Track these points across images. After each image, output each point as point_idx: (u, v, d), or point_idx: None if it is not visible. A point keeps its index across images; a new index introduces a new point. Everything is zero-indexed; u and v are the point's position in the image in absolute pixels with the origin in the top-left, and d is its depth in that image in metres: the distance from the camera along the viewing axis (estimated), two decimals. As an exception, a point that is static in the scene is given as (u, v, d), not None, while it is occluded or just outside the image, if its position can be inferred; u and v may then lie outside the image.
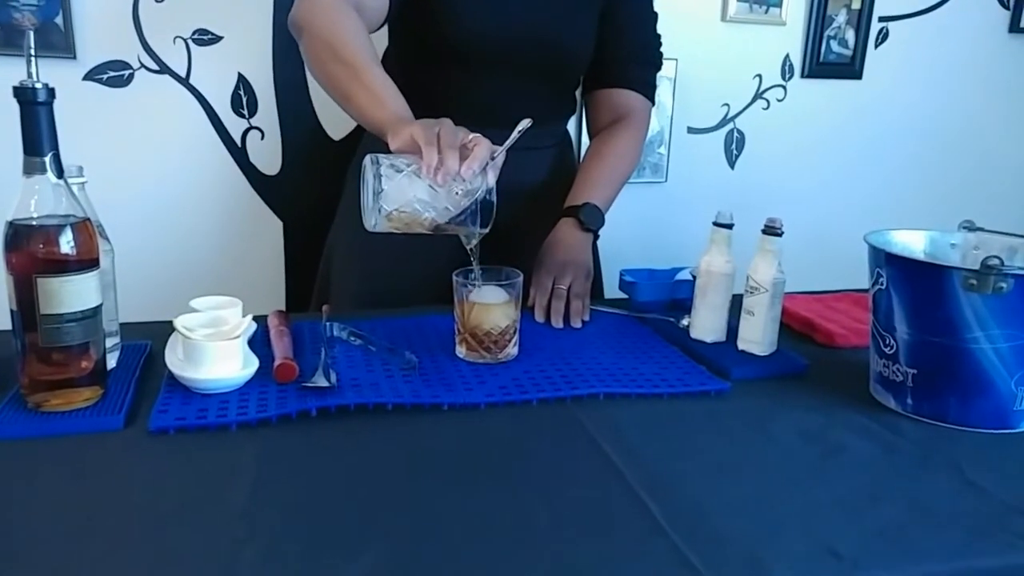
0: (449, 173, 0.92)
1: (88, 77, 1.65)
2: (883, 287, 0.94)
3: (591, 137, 1.46)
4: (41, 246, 0.81)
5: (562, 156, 1.48)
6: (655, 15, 1.43)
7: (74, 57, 1.62)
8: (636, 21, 1.40)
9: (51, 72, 1.50)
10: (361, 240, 1.37)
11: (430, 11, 1.24)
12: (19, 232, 0.80)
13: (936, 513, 0.73)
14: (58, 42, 1.59)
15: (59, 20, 1.58)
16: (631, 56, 1.41)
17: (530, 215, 1.36)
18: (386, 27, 1.27)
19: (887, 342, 0.95)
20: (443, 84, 1.30)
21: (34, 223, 0.81)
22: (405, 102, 1.04)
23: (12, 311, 0.82)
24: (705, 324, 1.12)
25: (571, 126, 1.59)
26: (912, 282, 0.91)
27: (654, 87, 1.45)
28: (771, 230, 1.05)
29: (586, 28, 1.36)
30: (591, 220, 1.30)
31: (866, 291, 1.00)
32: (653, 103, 1.46)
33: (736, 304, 1.11)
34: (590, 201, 1.31)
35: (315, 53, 1.09)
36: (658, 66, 1.45)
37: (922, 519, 0.72)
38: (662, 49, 1.45)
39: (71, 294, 0.82)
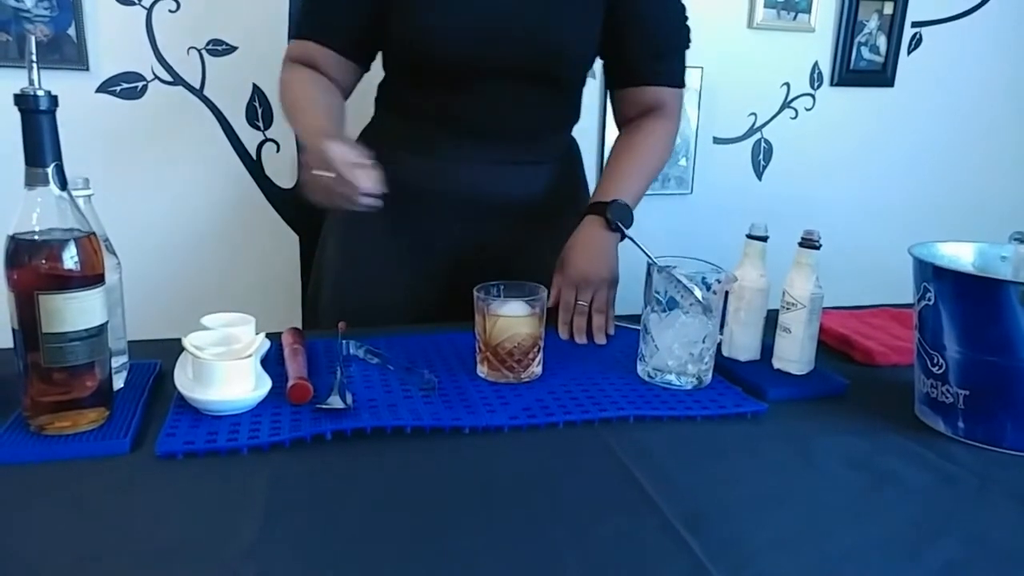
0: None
1: (101, 89, 1.63)
2: (931, 303, 0.89)
3: (620, 128, 1.36)
4: (43, 261, 0.77)
5: (566, 171, 1.39)
6: None
7: (87, 69, 1.60)
8: (655, 8, 1.28)
9: (64, 84, 1.49)
10: (349, 249, 1.34)
11: (406, 34, 1.19)
12: (20, 247, 0.77)
13: (1000, 549, 0.68)
14: (71, 54, 1.57)
15: (72, 32, 1.57)
16: (654, 50, 1.29)
17: (525, 234, 1.31)
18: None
19: (935, 361, 0.89)
20: (435, 104, 1.24)
21: (36, 237, 0.77)
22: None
23: (14, 330, 0.79)
24: (738, 342, 1.07)
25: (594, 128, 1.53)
26: (964, 297, 0.85)
27: (683, 71, 1.33)
28: (808, 243, 1.00)
29: (582, 23, 1.23)
30: (620, 219, 1.20)
31: (904, 306, 0.94)
32: (684, 85, 1.34)
33: (770, 320, 1.06)
34: (619, 198, 1.21)
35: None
36: (686, 47, 1.32)
37: (985, 556, 0.67)
38: (688, 24, 1.31)
39: (74, 311, 0.78)
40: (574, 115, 1.37)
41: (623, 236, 1.24)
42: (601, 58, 1.31)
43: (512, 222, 1.31)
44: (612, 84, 1.34)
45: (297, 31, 1.25)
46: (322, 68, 1.22)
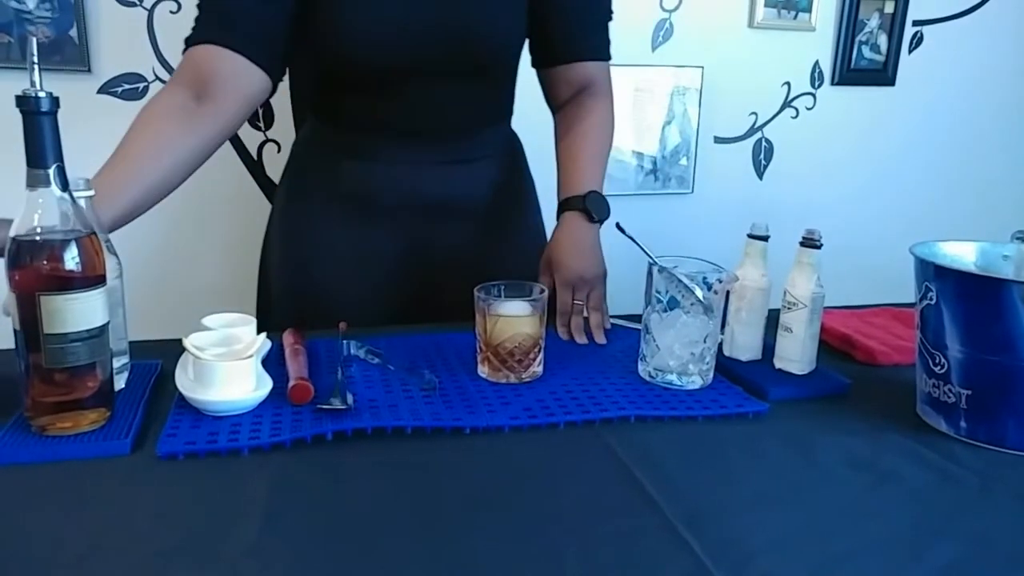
0: None
1: (103, 90, 1.63)
2: (932, 302, 0.88)
3: (554, 111, 1.34)
4: (44, 262, 0.77)
5: (509, 166, 1.36)
6: None
7: (89, 70, 1.60)
8: None
9: (66, 86, 1.49)
10: (294, 256, 1.31)
11: (326, 43, 1.14)
12: (22, 248, 0.77)
13: (1002, 550, 0.68)
14: (72, 55, 1.58)
15: (73, 33, 1.57)
16: (577, 26, 1.26)
17: (474, 234, 1.29)
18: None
19: (937, 361, 0.89)
20: (367, 109, 1.21)
21: (37, 238, 0.77)
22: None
23: (15, 330, 0.79)
24: (740, 341, 1.07)
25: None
26: (966, 297, 0.85)
27: (608, 44, 1.30)
28: (809, 242, 1.00)
29: (507, 10, 1.19)
30: (599, 210, 1.19)
31: (906, 305, 0.94)
32: (610, 58, 1.31)
33: (771, 320, 1.06)
34: (593, 189, 1.20)
35: None
36: (608, 19, 1.29)
37: (986, 556, 0.67)
38: None
39: (76, 312, 0.78)
40: (509, 106, 1.35)
41: (602, 225, 1.22)
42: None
43: (460, 223, 1.29)
44: (538, 64, 1.31)
45: (198, 34, 1.09)
46: (227, 84, 1.08)
